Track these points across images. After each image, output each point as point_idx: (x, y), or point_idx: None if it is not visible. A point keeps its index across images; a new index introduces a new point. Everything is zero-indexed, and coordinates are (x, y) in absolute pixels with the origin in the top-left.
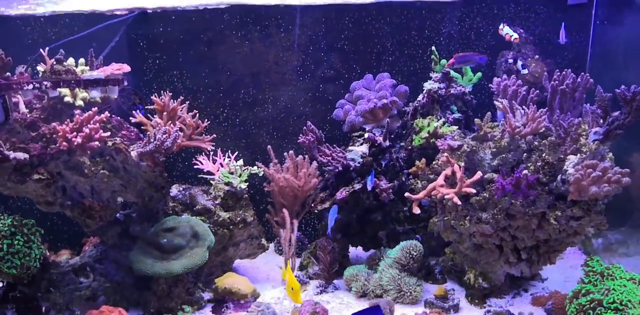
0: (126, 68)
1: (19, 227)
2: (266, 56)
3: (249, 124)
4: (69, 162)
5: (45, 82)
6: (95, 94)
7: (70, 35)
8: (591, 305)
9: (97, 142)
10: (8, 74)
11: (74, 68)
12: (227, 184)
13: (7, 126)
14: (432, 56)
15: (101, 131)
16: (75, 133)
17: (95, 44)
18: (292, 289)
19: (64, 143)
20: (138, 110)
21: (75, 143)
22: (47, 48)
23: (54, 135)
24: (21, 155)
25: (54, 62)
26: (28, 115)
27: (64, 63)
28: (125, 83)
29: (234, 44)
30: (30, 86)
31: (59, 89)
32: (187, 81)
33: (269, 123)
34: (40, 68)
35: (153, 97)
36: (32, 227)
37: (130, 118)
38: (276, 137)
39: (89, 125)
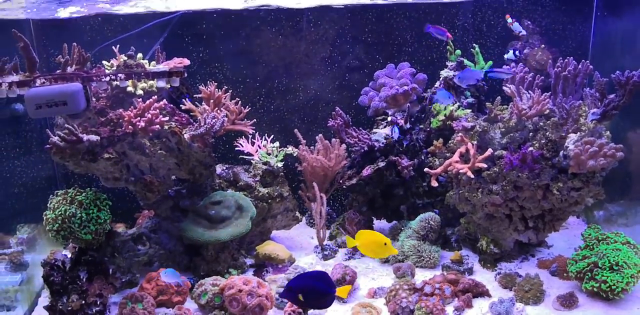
0: (186, 62)
1: (94, 200)
2: (297, 49)
3: (282, 110)
4: (133, 143)
5: (120, 74)
6: (162, 84)
7: (124, 33)
8: (589, 268)
9: (157, 126)
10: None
11: (143, 62)
12: (265, 163)
13: (87, 112)
14: (448, 47)
15: (161, 116)
16: (138, 118)
17: (146, 41)
18: (385, 243)
19: (129, 126)
20: (185, 99)
21: (139, 126)
22: (103, 45)
23: (120, 120)
24: (94, 138)
25: (126, 57)
26: (97, 103)
27: (134, 58)
28: (185, 75)
29: (268, 38)
30: (107, 78)
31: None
32: (227, 72)
33: (300, 109)
34: (105, 62)
35: (200, 87)
36: (104, 200)
37: (181, 105)
38: (306, 122)
39: (150, 111)
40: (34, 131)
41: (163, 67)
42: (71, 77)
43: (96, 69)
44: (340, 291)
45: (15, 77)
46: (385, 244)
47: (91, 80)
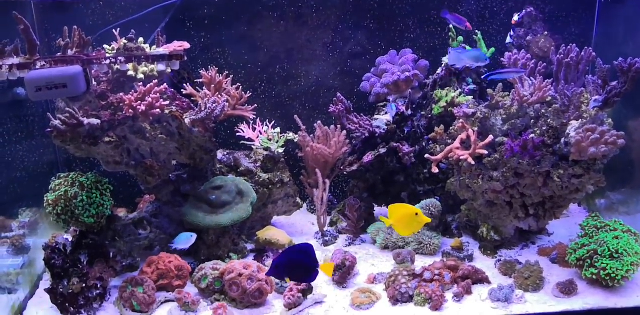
0: (186, 45)
1: (95, 183)
2: (299, 34)
3: (283, 96)
4: (134, 127)
5: (120, 58)
6: (161, 68)
7: (126, 17)
8: (589, 255)
9: (158, 110)
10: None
11: (143, 46)
12: (265, 149)
13: (88, 96)
14: (450, 33)
15: (161, 100)
16: (139, 102)
17: (148, 25)
18: (417, 214)
19: (130, 110)
20: (186, 84)
21: (140, 110)
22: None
23: (121, 104)
24: (95, 121)
25: (127, 40)
26: (98, 87)
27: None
28: (185, 58)
29: (270, 23)
30: (108, 61)
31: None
32: (228, 58)
33: (301, 95)
34: (107, 46)
35: (202, 72)
36: (105, 183)
37: (182, 90)
38: (308, 108)
39: (150, 95)
40: (35, 115)
41: (163, 50)
42: (71, 60)
43: (96, 52)
44: (325, 268)
45: (15, 60)
46: (416, 214)
47: (91, 63)
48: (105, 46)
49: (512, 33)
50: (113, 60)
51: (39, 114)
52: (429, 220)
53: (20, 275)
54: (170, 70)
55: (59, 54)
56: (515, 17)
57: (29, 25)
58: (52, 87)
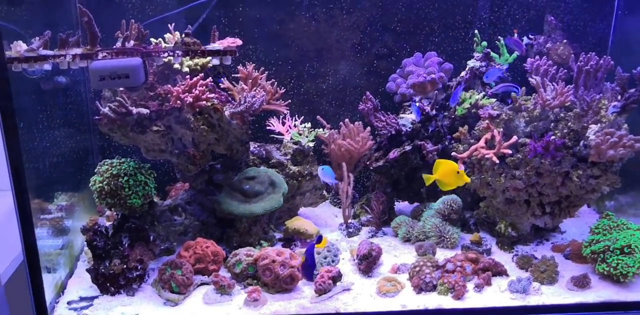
0: (239, 42)
1: (139, 168)
2: (329, 34)
3: (311, 93)
4: (179, 117)
5: (177, 51)
6: (215, 62)
7: (164, 13)
8: (602, 250)
9: (204, 102)
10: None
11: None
12: (295, 143)
13: (144, 85)
14: (475, 38)
15: (207, 93)
16: (186, 94)
17: (185, 21)
18: (458, 172)
19: (177, 101)
20: (224, 78)
21: (187, 102)
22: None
23: (168, 95)
24: (144, 110)
25: (184, 35)
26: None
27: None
28: (237, 54)
29: (302, 23)
30: (165, 54)
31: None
32: (260, 54)
33: (329, 93)
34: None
35: (239, 67)
36: (148, 169)
37: (220, 84)
38: (334, 105)
39: (197, 88)
40: (74, 103)
41: (218, 45)
42: (131, 52)
43: (154, 45)
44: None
45: (78, 50)
46: (457, 172)
47: (150, 55)
48: (160, 39)
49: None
50: (170, 53)
51: (77, 102)
52: (469, 180)
53: (60, 255)
54: (229, 63)
55: (118, 44)
56: (525, 40)
57: (92, 18)
58: (115, 77)
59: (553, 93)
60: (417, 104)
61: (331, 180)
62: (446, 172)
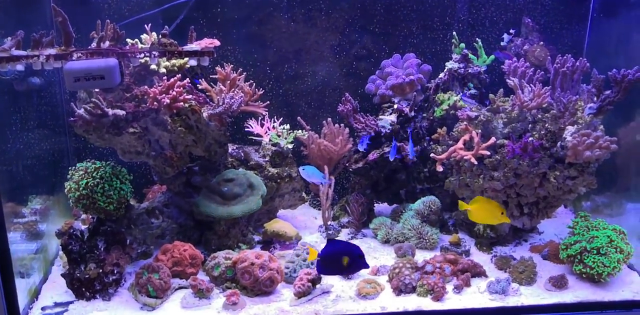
0: (216, 42)
1: (115, 173)
2: (308, 36)
3: (290, 95)
4: (156, 119)
5: (154, 52)
6: (193, 63)
7: (141, 13)
8: (579, 251)
9: (181, 103)
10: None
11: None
12: (274, 144)
13: (120, 86)
14: (453, 40)
15: (185, 94)
16: (163, 95)
17: (162, 22)
18: (502, 213)
19: (154, 103)
20: (201, 79)
21: (164, 103)
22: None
23: (145, 97)
24: (120, 112)
25: (161, 35)
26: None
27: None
28: (215, 55)
29: (280, 24)
30: (142, 55)
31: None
32: (239, 55)
33: (307, 94)
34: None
35: (217, 68)
36: (125, 174)
37: (197, 85)
38: (313, 107)
39: (174, 89)
40: (48, 105)
41: (195, 46)
42: (107, 52)
43: (130, 46)
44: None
45: (52, 50)
46: (502, 213)
47: (126, 56)
48: (136, 40)
49: (504, 40)
50: (147, 54)
51: (51, 104)
52: (509, 220)
53: (34, 260)
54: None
55: (93, 45)
56: (505, 37)
57: (66, 18)
58: (89, 78)
59: (530, 94)
60: (365, 137)
61: (319, 179)
62: (486, 210)
